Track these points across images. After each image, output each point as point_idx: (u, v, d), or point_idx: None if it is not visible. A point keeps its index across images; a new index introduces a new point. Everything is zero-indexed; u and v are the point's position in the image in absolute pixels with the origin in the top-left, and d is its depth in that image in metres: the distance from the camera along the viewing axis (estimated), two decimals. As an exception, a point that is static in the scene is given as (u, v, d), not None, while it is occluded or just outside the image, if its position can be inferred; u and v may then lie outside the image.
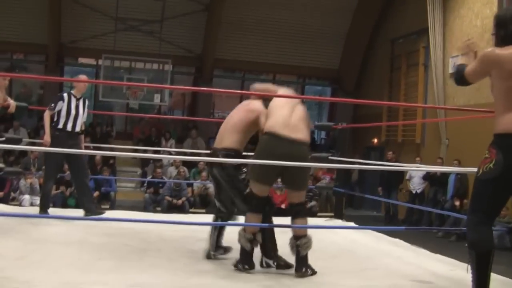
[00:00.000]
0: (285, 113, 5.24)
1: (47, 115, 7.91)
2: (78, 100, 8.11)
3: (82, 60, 20.37)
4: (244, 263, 5.27)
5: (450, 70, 14.74)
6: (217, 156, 5.43)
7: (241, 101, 21.03)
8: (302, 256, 5.22)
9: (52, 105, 7.94)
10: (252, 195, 5.28)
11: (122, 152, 11.85)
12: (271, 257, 5.39)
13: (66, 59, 19.63)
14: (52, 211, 8.23)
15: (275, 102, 5.43)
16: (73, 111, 7.99)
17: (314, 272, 5.24)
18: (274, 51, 19.21)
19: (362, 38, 19.40)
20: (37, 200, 11.77)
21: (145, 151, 15.13)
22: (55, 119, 7.93)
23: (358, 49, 19.62)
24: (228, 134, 5.55)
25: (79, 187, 8.29)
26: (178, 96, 20.86)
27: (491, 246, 4.14)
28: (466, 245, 4.26)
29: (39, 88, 20.41)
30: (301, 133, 5.19)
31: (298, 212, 5.31)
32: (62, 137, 7.87)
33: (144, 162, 17.39)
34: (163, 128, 18.87)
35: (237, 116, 5.66)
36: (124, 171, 17.64)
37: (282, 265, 5.38)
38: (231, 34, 18.86)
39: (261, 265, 5.38)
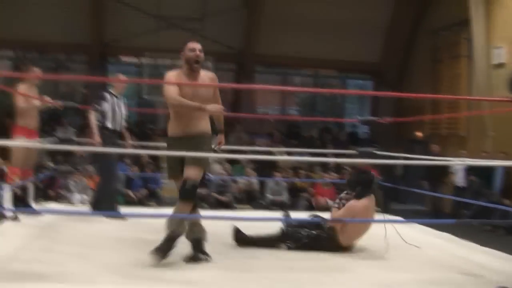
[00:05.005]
0: None
1: (92, 116, 8.02)
2: (118, 98, 8.24)
3: (124, 58, 20.59)
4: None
5: (494, 61, 14.60)
6: None
7: (282, 96, 21.03)
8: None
9: (96, 105, 8.05)
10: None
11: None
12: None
13: (108, 58, 19.89)
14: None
15: None
16: (117, 110, 8.12)
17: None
18: (314, 46, 19.16)
19: (403, 30, 19.25)
20: (88, 198, 11.99)
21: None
22: (100, 119, 8.04)
23: (399, 42, 19.48)
24: None
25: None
26: (221, 92, 20.93)
27: None
28: None
29: (83, 87, 20.69)
30: None
31: None
32: (111, 136, 8.01)
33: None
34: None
35: None
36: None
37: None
38: (271, 29, 18.87)
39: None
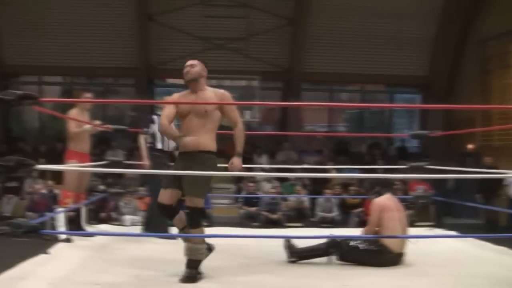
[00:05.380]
0: None
1: (142, 139, 8.13)
2: None
3: (171, 80, 20.77)
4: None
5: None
6: None
7: (330, 113, 20.94)
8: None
9: (145, 129, 8.13)
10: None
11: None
12: None
13: (155, 80, 20.12)
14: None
15: None
16: None
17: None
18: (360, 61, 19.05)
19: (450, 42, 18.99)
20: (139, 219, 12.09)
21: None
22: (149, 140, 8.10)
23: (447, 53, 19.21)
24: None
25: None
26: (268, 111, 20.95)
27: None
28: None
29: (131, 110, 20.93)
30: None
31: None
32: (162, 157, 8.05)
33: (237, 178, 17.48)
34: (255, 144, 18.91)
35: None
36: (217, 188, 17.77)
37: None
38: (317, 47, 18.85)
39: None
